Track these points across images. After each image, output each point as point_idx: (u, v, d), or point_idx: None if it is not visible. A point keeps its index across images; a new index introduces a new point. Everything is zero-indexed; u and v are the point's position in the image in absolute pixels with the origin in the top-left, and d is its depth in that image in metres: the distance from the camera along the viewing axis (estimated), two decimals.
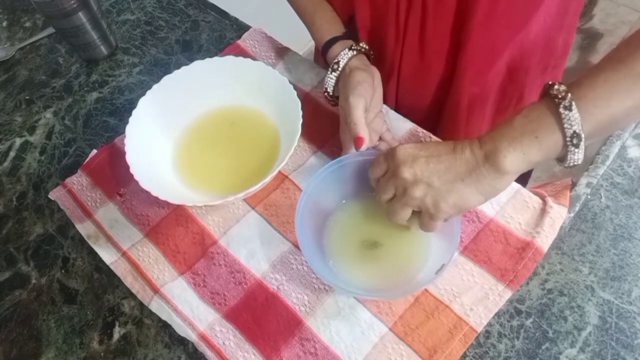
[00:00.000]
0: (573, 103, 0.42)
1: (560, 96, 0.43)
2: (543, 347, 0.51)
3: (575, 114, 0.42)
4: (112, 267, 0.59)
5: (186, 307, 0.56)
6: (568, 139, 0.43)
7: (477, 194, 0.47)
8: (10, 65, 0.81)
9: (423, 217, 0.50)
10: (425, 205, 0.48)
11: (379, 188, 0.52)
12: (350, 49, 0.61)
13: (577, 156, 0.44)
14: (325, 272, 0.52)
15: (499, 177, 0.46)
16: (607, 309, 0.52)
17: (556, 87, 0.43)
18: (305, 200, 0.55)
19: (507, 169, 0.45)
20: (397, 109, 0.71)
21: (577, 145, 0.43)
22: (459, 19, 0.59)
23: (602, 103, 0.43)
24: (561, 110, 0.42)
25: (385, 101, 0.66)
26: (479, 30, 0.59)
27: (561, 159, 0.46)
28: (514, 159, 0.45)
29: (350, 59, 0.61)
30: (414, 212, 0.51)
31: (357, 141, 0.55)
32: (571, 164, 0.45)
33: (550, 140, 0.44)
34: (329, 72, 0.62)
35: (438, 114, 0.73)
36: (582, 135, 0.43)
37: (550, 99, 0.44)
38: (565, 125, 0.43)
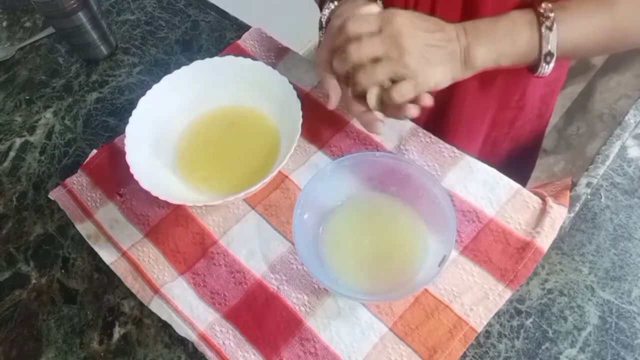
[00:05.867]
0: (555, 24, 0.49)
1: (545, 15, 0.49)
2: (543, 347, 0.51)
3: (554, 34, 0.49)
4: (112, 267, 0.59)
5: (186, 307, 0.56)
6: (543, 55, 0.50)
7: (449, 74, 0.52)
8: (10, 65, 0.81)
9: (402, 85, 0.50)
10: (414, 75, 0.50)
11: (362, 44, 0.50)
12: None
13: (547, 70, 0.52)
14: (323, 277, 0.52)
15: (466, 69, 0.52)
16: (607, 309, 0.52)
17: (544, 5, 0.49)
18: (303, 200, 0.55)
19: (477, 65, 0.51)
20: None
21: (548, 62, 0.51)
22: (468, 9, 0.59)
23: (578, 32, 0.50)
24: (543, 29, 0.49)
25: None
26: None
27: (532, 69, 0.53)
28: (485, 57, 0.51)
29: None
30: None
31: None
32: (540, 75, 0.53)
33: (525, 51, 0.51)
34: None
35: (440, 106, 0.73)
36: (555, 56, 0.50)
37: (536, 15, 0.50)
38: (543, 43, 0.49)
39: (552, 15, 0.49)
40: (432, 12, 0.62)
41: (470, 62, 0.51)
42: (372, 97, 0.54)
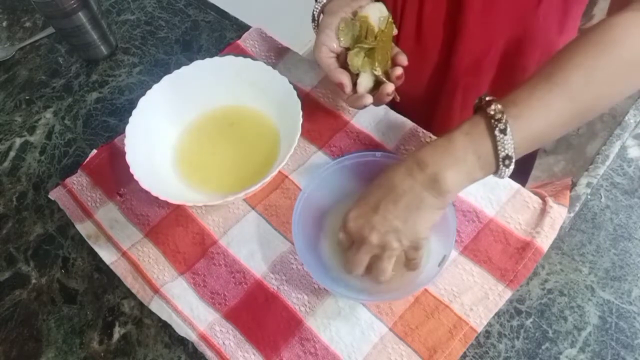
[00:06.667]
0: (508, 127, 0.44)
1: (496, 118, 0.44)
2: (543, 347, 0.51)
3: (509, 137, 0.44)
4: (112, 267, 0.59)
5: (186, 307, 0.56)
6: (500, 160, 0.45)
7: (433, 211, 0.48)
8: (10, 65, 0.81)
9: (408, 253, 0.51)
10: (405, 246, 0.49)
11: (354, 261, 0.51)
12: None
13: (508, 172, 0.47)
14: (323, 277, 0.52)
15: (443, 198, 0.47)
16: (607, 309, 0.52)
17: (493, 106, 0.44)
18: (303, 200, 0.55)
19: (450, 190, 0.46)
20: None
21: (507, 166, 0.46)
22: (456, 5, 0.59)
23: (536, 123, 0.45)
24: (496, 133, 0.44)
25: None
26: (476, 19, 0.59)
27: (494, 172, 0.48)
28: (458, 180, 0.46)
29: None
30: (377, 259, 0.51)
31: None
32: (502, 177, 0.47)
33: (490, 159, 0.46)
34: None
35: (433, 103, 0.73)
36: (513, 158, 0.45)
37: (487, 119, 0.45)
38: (499, 148, 0.45)
39: (503, 117, 0.44)
40: (420, 9, 0.62)
41: (442, 190, 0.46)
42: (363, 83, 0.57)
